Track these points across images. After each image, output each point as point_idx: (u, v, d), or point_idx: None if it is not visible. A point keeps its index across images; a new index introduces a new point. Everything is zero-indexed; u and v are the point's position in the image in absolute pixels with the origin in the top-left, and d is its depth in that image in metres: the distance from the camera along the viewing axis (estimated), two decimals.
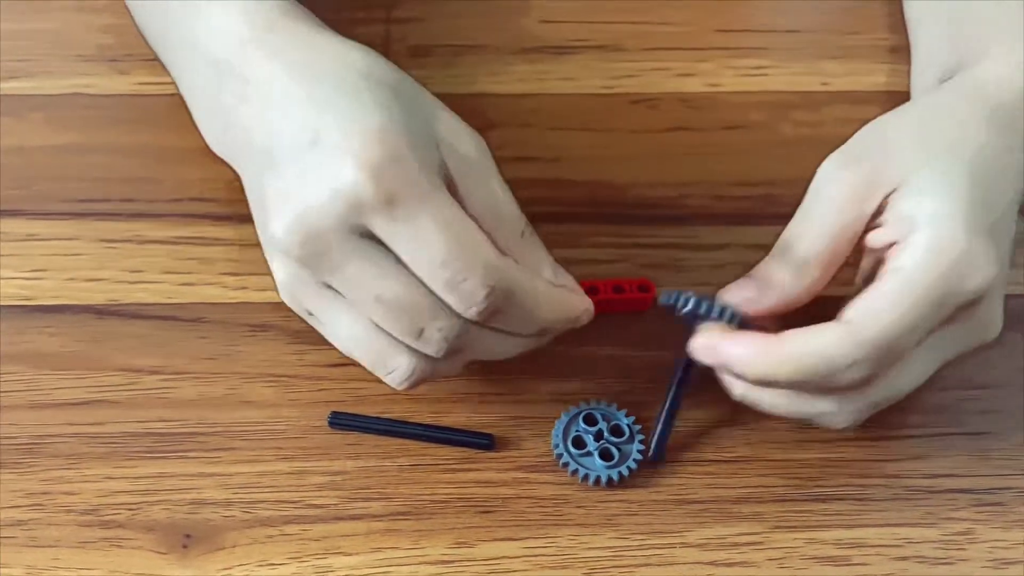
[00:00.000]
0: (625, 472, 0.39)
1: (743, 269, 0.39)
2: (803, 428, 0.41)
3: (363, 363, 0.38)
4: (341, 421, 0.40)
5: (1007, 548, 0.39)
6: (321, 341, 0.41)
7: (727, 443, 0.41)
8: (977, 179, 0.38)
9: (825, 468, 0.40)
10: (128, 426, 0.40)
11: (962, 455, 0.41)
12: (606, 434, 0.40)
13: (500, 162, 0.48)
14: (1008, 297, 0.43)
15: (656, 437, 0.40)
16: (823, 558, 0.38)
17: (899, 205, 0.38)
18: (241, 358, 0.42)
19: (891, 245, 0.38)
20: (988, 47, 0.42)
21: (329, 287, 0.37)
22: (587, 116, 0.50)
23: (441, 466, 0.40)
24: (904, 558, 0.39)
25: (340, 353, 0.41)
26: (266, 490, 0.39)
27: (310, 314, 0.38)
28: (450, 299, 0.36)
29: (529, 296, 0.37)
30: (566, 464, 0.39)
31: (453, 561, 0.38)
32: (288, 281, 0.37)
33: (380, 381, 0.38)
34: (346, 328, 0.37)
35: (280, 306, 0.43)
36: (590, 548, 0.38)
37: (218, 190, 0.46)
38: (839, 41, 0.51)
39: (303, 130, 0.36)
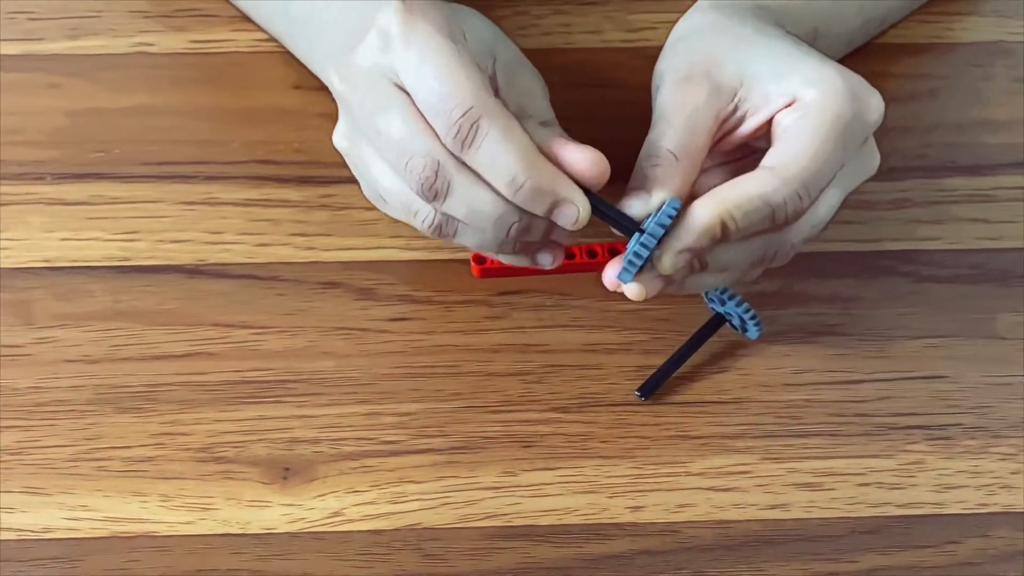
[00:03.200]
0: None
1: None
2: (795, 371, 0.53)
3: (395, 209, 0.48)
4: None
5: (950, 475, 0.51)
6: (382, 297, 0.54)
7: (725, 387, 0.53)
8: (800, 49, 0.48)
9: (805, 408, 0.52)
10: (227, 375, 0.52)
11: (920, 396, 0.53)
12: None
13: None
14: (972, 251, 0.56)
15: (651, 378, 0.52)
16: (801, 484, 0.51)
17: (759, 92, 0.47)
18: (315, 313, 0.54)
19: (768, 123, 0.47)
20: None
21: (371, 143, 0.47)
22: (609, 72, 0.59)
23: (489, 408, 0.52)
24: (866, 484, 0.51)
25: (398, 308, 0.54)
26: (347, 429, 0.52)
27: (356, 165, 0.48)
28: (435, 122, 0.45)
29: (506, 135, 0.44)
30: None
31: (502, 487, 0.51)
32: (344, 129, 0.48)
33: (441, 334, 0.52)
34: (383, 177, 0.47)
35: (345, 265, 0.55)
36: (611, 476, 0.51)
37: (279, 152, 0.57)
38: None
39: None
